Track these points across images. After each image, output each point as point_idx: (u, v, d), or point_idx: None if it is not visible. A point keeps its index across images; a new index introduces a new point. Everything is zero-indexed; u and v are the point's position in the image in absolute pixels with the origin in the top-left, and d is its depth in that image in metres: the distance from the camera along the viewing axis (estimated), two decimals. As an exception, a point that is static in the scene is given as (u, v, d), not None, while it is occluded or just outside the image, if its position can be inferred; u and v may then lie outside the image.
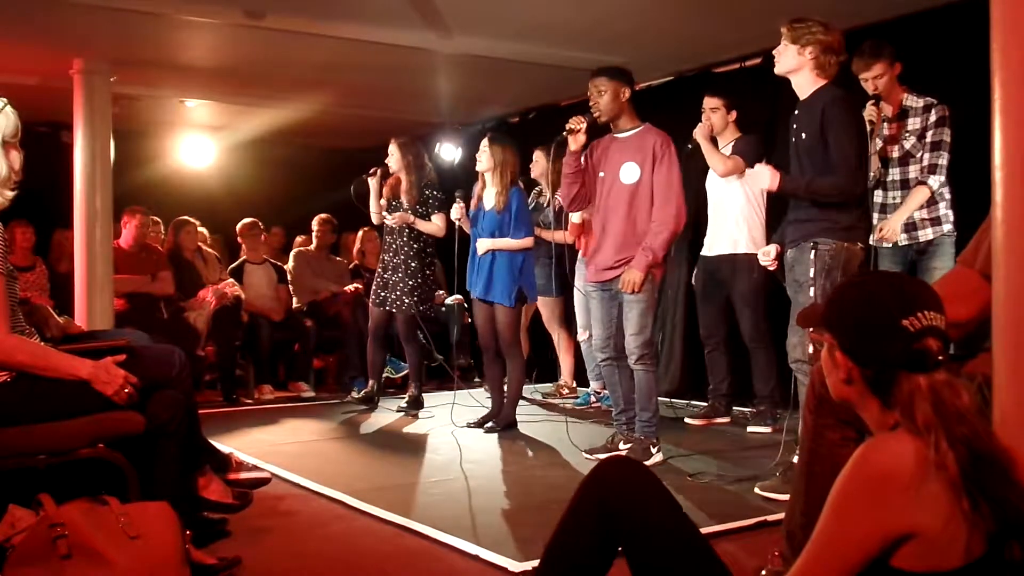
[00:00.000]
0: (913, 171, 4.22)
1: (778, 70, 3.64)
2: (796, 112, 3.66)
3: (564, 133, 4.22)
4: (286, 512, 3.46)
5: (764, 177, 3.63)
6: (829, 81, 3.57)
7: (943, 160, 4.12)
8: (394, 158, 5.70)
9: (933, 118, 4.15)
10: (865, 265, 3.70)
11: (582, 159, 4.32)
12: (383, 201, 5.82)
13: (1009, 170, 1.59)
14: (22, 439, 2.50)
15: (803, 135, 3.58)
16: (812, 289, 3.46)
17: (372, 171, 5.80)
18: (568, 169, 4.30)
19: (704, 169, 5.16)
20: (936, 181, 4.11)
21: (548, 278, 5.97)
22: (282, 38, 5.56)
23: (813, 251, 3.48)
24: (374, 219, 5.93)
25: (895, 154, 4.28)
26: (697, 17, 5.23)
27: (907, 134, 4.23)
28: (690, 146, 4.95)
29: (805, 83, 3.59)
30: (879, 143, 4.25)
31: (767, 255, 3.88)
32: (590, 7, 5.07)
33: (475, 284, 5.16)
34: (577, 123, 4.17)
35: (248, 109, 7.68)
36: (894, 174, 4.29)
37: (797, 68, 3.57)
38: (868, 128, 4.13)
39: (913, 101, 4.24)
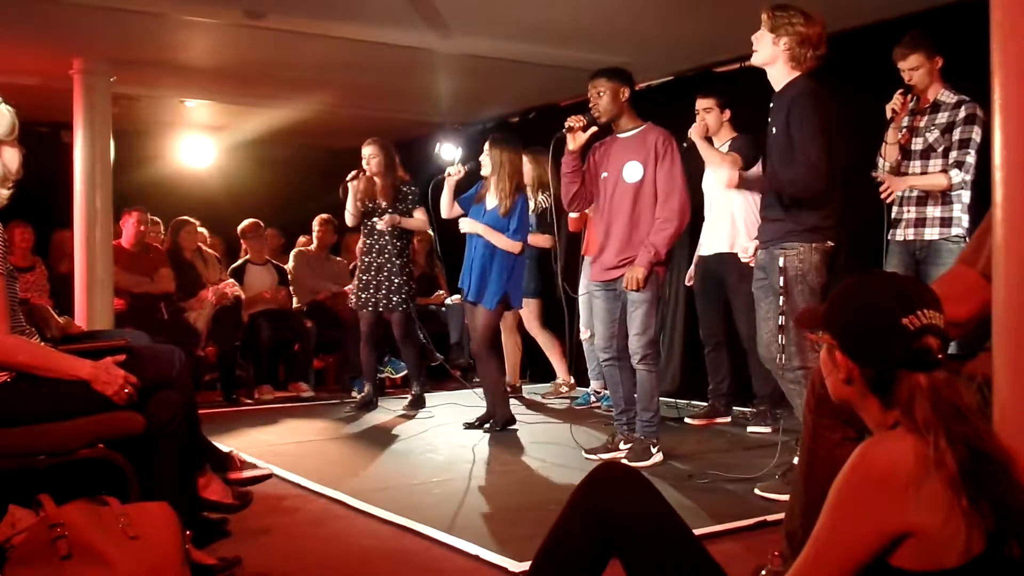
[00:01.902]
0: (933, 165, 4.11)
1: (754, 60, 3.59)
2: (771, 104, 3.60)
3: (563, 131, 4.23)
4: (286, 512, 3.46)
5: (723, 175, 3.66)
6: (803, 73, 3.50)
7: (970, 158, 4.00)
8: (376, 160, 5.67)
9: (962, 114, 4.04)
10: (843, 266, 3.64)
11: (583, 160, 4.33)
12: (358, 204, 5.78)
13: (1009, 170, 1.59)
14: (22, 439, 2.50)
15: (774, 129, 3.54)
16: (782, 298, 3.41)
17: (353, 175, 5.74)
18: (567, 168, 4.31)
19: (701, 168, 5.16)
20: (957, 176, 4.00)
21: (528, 280, 5.98)
22: (282, 38, 5.56)
23: (782, 257, 3.44)
24: (349, 221, 5.85)
25: (918, 147, 4.18)
26: (696, 17, 5.23)
27: (933, 127, 4.13)
28: (685, 145, 4.94)
29: (779, 75, 3.52)
30: (901, 133, 4.16)
31: (745, 251, 3.86)
32: (590, 7, 5.07)
33: (465, 285, 5.18)
34: (576, 121, 4.19)
35: (248, 109, 7.67)
36: (914, 167, 4.18)
37: (772, 59, 3.51)
38: (888, 116, 4.10)
39: (947, 96, 4.13)
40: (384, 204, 5.68)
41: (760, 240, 3.66)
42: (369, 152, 5.69)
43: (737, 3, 4.90)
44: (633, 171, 4.18)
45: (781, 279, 3.43)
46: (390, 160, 5.72)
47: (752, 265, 3.86)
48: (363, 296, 5.74)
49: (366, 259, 5.78)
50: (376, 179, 5.72)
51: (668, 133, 4.22)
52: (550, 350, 6.43)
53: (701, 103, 5.06)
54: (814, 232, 3.45)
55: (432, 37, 5.58)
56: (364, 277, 5.75)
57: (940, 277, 2.69)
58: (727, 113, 5.08)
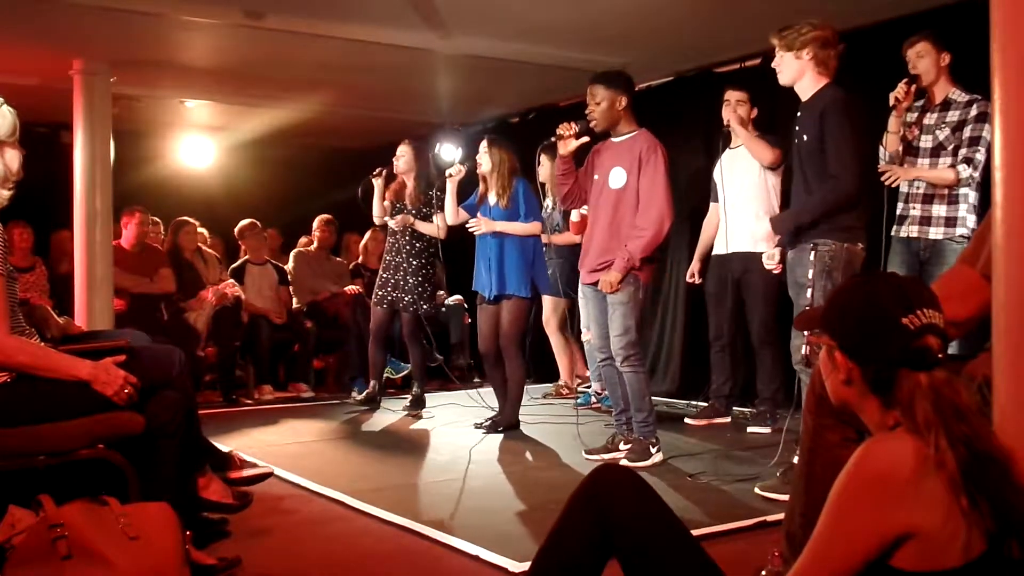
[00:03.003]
0: (943, 163, 4.10)
1: (783, 81, 3.63)
2: (799, 114, 3.65)
3: (553, 139, 4.25)
4: (286, 512, 3.46)
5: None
6: (831, 80, 3.57)
7: (979, 155, 3.99)
8: (404, 159, 5.71)
9: (974, 112, 4.03)
10: (867, 265, 3.68)
11: (582, 160, 4.34)
12: (386, 203, 5.83)
13: (1009, 170, 1.59)
14: (22, 439, 2.50)
15: (804, 137, 3.59)
16: (810, 291, 3.46)
17: (378, 171, 5.79)
18: (558, 171, 4.37)
19: (703, 171, 5.15)
20: (965, 171, 3.99)
21: (555, 278, 5.98)
22: (282, 38, 5.56)
23: (813, 252, 3.48)
24: (376, 220, 5.94)
25: (927, 144, 4.16)
26: (697, 17, 5.23)
27: (943, 125, 4.12)
28: (726, 129, 4.90)
29: (808, 84, 3.59)
30: (907, 127, 4.16)
31: (772, 258, 3.87)
32: (590, 7, 5.07)
33: (485, 285, 5.12)
34: (566, 130, 4.20)
35: (248, 109, 7.67)
36: (923, 164, 4.16)
37: (800, 74, 3.58)
38: (891, 104, 4.08)
39: (958, 95, 4.12)
40: (410, 206, 5.70)
41: (789, 241, 3.67)
42: (400, 151, 5.75)
43: (737, 4, 4.91)
44: (617, 177, 4.18)
45: (809, 272, 3.47)
46: (422, 163, 5.76)
47: (776, 273, 3.88)
48: (380, 293, 5.81)
49: (387, 257, 5.85)
50: (405, 180, 5.75)
51: (655, 141, 4.18)
52: (560, 352, 6.43)
53: (735, 95, 4.99)
54: (847, 231, 3.50)
55: (432, 37, 5.58)
56: (384, 275, 5.83)
57: (940, 277, 2.69)
58: (755, 111, 5.06)
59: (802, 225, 3.59)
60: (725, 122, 4.94)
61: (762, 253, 4.83)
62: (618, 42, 5.62)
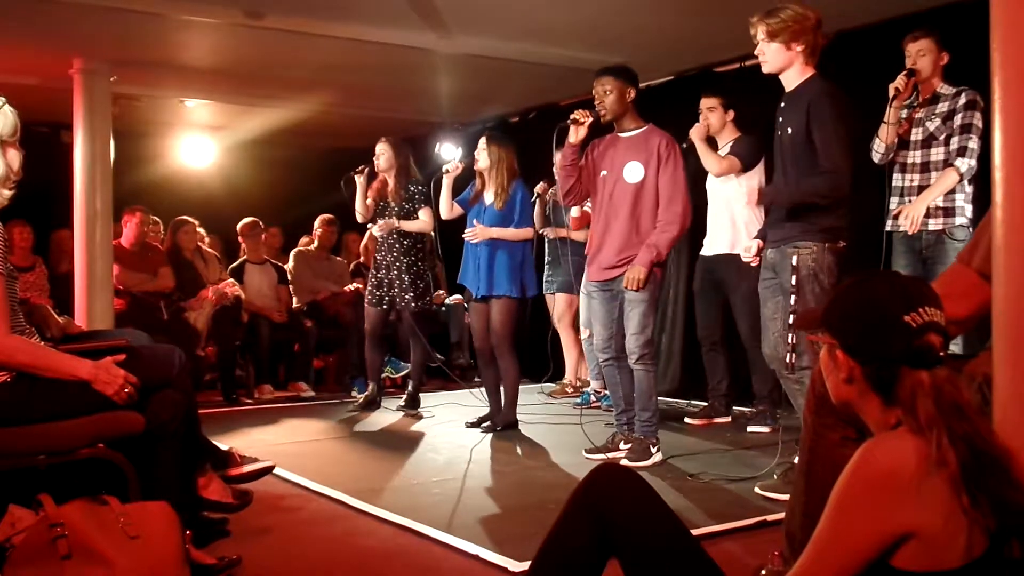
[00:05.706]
0: (935, 154, 4.11)
1: (768, 70, 3.53)
2: (782, 104, 3.56)
3: (567, 122, 4.23)
4: (286, 512, 3.46)
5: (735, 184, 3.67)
6: (816, 71, 3.48)
7: (972, 143, 3.98)
8: (384, 157, 5.69)
9: (962, 101, 4.04)
10: (869, 263, 3.64)
11: (581, 156, 4.33)
12: (369, 201, 5.80)
13: (1009, 170, 1.59)
14: (22, 439, 2.50)
15: (789, 130, 3.49)
16: (794, 297, 3.40)
17: (360, 169, 5.77)
18: (565, 161, 4.31)
19: (703, 169, 5.16)
20: (964, 164, 3.97)
21: (569, 275, 6.01)
22: (282, 38, 5.56)
23: (795, 256, 3.42)
24: (359, 218, 5.89)
25: (918, 136, 4.17)
26: (697, 17, 5.23)
27: (933, 116, 4.13)
28: (684, 145, 4.92)
29: (794, 74, 3.49)
30: (903, 113, 4.16)
31: (748, 251, 3.85)
32: (590, 7, 5.07)
33: (473, 283, 5.13)
34: (583, 116, 4.18)
35: (248, 109, 7.67)
36: (914, 156, 4.17)
37: (788, 64, 3.48)
38: (891, 95, 4.06)
39: (946, 89, 4.15)
40: (392, 203, 5.69)
41: (770, 239, 3.63)
42: (379, 149, 5.72)
43: (737, 3, 4.90)
44: (634, 171, 4.18)
45: (793, 278, 3.41)
46: (402, 159, 5.72)
47: (753, 265, 3.86)
48: (376, 293, 5.76)
49: (377, 257, 5.81)
50: (387, 178, 5.73)
51: (671, 137, 4.24)
52: (569, 349, 6.43)
53: (705, 102, 5.07)
54: (828, 232, 3.43)
55: (432, 37, 5.57)
56: (377, 275, 5.78)
57: (939, 276, 2.69)
58: (731, 113, 5.09)
59: (779, 201, 3.54)
60: (689, 135, 4.89)
61: (740, 255, 4.87)
62: (618, 42, 5.62)
